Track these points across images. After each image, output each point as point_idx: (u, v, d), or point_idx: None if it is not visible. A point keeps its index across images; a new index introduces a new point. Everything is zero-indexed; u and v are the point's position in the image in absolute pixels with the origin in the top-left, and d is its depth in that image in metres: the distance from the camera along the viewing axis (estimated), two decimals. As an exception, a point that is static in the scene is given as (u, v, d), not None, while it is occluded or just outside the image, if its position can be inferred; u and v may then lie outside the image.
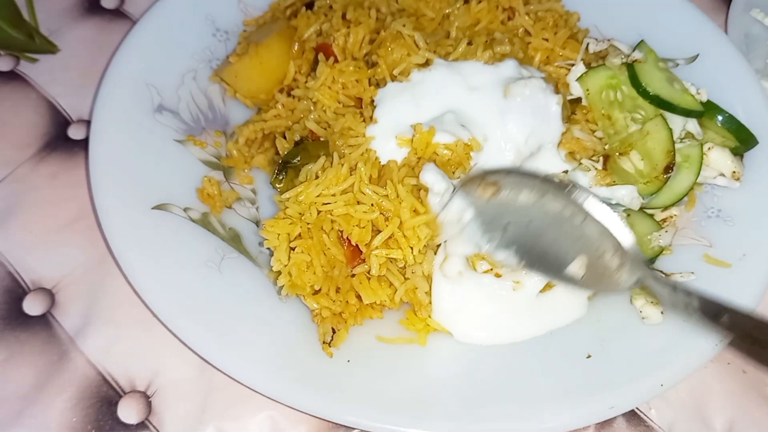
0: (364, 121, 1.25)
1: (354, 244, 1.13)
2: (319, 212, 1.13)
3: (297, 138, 1.26)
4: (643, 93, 1.28)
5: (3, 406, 1.10)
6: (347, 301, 1.13)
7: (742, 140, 1.31)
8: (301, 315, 1.14)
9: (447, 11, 1.40)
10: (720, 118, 1.32)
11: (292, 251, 1.12)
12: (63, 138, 1.40)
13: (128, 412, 1.11)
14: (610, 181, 1.23)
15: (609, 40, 1.38)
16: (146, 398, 1.12)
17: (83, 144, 1.39)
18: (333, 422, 1.09)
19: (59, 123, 1.43)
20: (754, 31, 1.58)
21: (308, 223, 1.13)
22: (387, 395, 1.06)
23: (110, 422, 1.10)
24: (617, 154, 1.25)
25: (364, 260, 1.14)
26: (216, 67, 1.42)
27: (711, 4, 1.71)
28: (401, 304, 1.17)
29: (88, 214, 1.29)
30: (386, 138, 1.22)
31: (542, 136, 1.24)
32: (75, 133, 1.41)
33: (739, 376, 1.19)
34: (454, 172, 1.19)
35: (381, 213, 1.13)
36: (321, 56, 1.33)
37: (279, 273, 1.13)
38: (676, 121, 1.29)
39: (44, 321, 1.19)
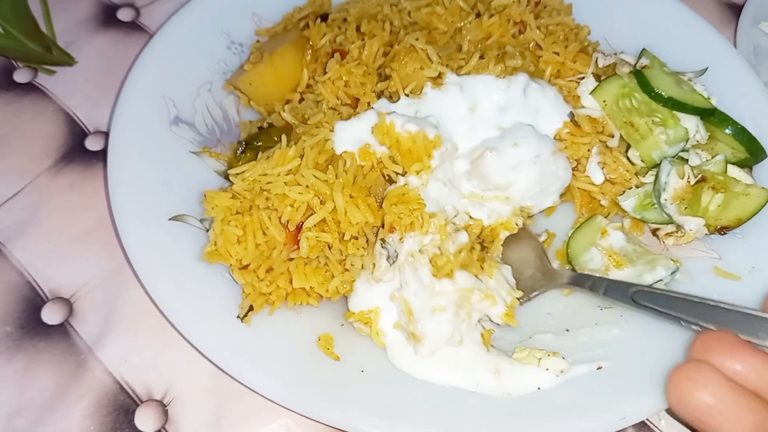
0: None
1: (294, 228, 1.14)
2: (261, 191, 1.15)
3: (266, 125, 1.30)
4: (656, 96, 1.29)
5: (22, 414, 1.12)
6: (277, 284, 1.14)
7: (752, 152, 1.32)
8: (315, 325, 1.15)
9: (459, 25, 1.41)
10: (731, 129, 1.33)
11: (228, 224, 1.15)
12: (80, 149, 1.43)
13: (145, 420, 1.13)
14: (687, 203, 1.24)
15: (616, 54, 1.39)
16: (163, 407, 1.14)
17: (100, 155, 1.41)
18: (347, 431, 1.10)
19: (76, 134, 1.45)
20: (763, 44, 1.59)
21: (251, 201, 1.16)
22: (400, 405, 1.07)
23: (127, 430, 1.12)
24: (711, 185, 1.24)
25: (298, 245, 1.15)
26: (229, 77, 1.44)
27: (720, 17, 1.73)
28: (338, 295, 1.17)
29: (105, 224, 1.31)
30: (358, 134, 1.22)
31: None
32: (92, 144, 1.44)
33: (748, 388, 1.20)
34: (414, 169, 1.19)
35: (317, 196, 1.14)
36: (337, 55, 1.35)
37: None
38: (690, 123, 1.30)
39: (62, 330, 1.21)
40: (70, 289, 1.25)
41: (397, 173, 1.19)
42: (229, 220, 1.15)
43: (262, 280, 1.13)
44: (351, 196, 1.14)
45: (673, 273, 1.22)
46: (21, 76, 1.53)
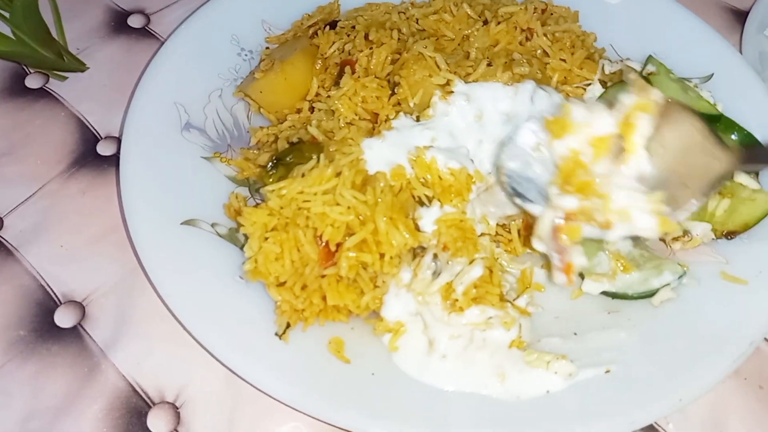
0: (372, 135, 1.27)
1: (327, 246, 1.15)
2: (299, 209, 1.16)
3: (295, 140, 1.30)
4: None
5: (36, 417, 1.13)
6: (311, 301, 1.15)
7: (758, 158, 1.33)
8: (325, 329, 1.17)
9: (467, 32, 1.43)
10: (737, 135, 1.34)
11: (266, 241, 1.15)
12: (92, 154, 1.44)
13: (157, 422, 1.14)
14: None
15: (623, 60, 1.41)
16: (175, 409, 1.15)
17: (112, 160, 1.43)
18: (358, 434, 1.11)
19: (88, 139, 1.46)
20: (768, 51, 1.61)
21: (287, 218, 1.16)
22: (410, 407, 1.08)
23: (140, 432, 1.13)
24: (717, 191, 1.24)
25: (335, 263, 1.16)
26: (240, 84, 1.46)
27: (725, 23, 1.75)
28: (368, 312, 1.19)
29: (117, 228, 1.32)
30: (383, 150, 1.24)
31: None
32: (104, 149, 1.45)
33: (755, 391, 1.21)
34: (452, 200, 1.22)
35: (357, 217, 1.15)
36: (348, 69, 1.36)
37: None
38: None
39: (75, 333, 1.22)
40: (82, 292, 1.26)
41: (427, 196, 1.21)
42: (267, 236, 1.15)
43: (297, 297, 1.14)
44: (391, 218, 1.15)
45: (680, 277, 1.23)
46: (33, 81, 1.55)
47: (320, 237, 1.15)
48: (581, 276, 1.24)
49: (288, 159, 1.25)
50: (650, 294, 1.23)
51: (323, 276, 1.16)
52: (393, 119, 1.28)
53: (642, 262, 1.26)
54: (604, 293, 1.24)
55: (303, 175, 1.18)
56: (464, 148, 1.26)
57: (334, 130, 1.30)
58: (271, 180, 1.23)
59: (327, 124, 1.31)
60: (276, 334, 1.12)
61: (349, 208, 1.15)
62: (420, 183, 1.21)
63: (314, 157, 1.21)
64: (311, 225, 1.15)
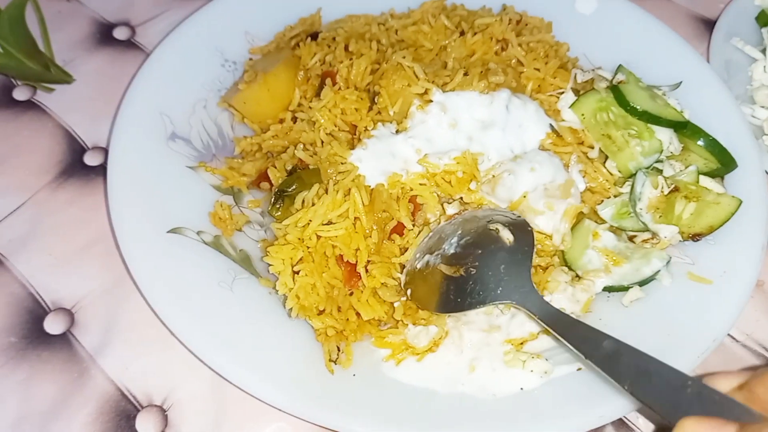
0: (353, 148, 1.32)
1: (350, 265, 1.20)
2: (318, 237, 1.20)
3: (289, 167, 1.33)
4: (632, 110, 1.35)
5: (27, 422, 1.16)
6: (347, 319, 1.20)
7: (723, 163, 1.38)
8: (308, 331, 1.21)
9: (444, 43, 1.48)
10: (703, 141, 1.39)
11: (296, 275, 1.19)
12: (79, 164, 1.47)
13: (146, 425, 1.17)
14: (661, 212, 1.30)
15: (594, 70, 1.46)
16: (163, 412, 1.18)
17: (99, 170, 1.46)
18: (340, 433, 1.15)
19: (75, 150, 1.50)
20: (734, 59, 1.66)
21: (309, 248, 1.20)
22: (390, 406, 1.12)
23: (129, 435, 1.17)
24: (684, 195, 1.30)
25: (360, 279, 1.21)
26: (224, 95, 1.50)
27: (694, 32, 1.80)
28: (397, 319, 1.23)
29: (105, 237, 1.36)
30: (371, 161, 1.29)
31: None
32: (91, 159, 1.48)
33: (722, 387, 1.26)
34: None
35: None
36: (328, 81, 1.40)
37: (285, 295, 1.19)
38: (664, 135, 1.36)
39: (65, 339, 1.25)
40: (71, 300, 1.29)
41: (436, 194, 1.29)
42: (296, 270, 1.19)
43: (338, 320, 1.18)
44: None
45: (667, 263, 1.28)
46: (20, 93, 1.58)
47: (341, 258, 1.20)
48: (578, 277, 1.30)
49: (290, 190, 1.27)
50: (645, 282, 1.28)
51: (351, 294, 1.21)
52: (372, 129, 1.32)
53: (629, 254, 1.31)
54: (605, 288, 1.29)
55: (312, 204, 1.22)
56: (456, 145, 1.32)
57: (315, 142, 1.34)
58: (278, 215, 1.26)
59: (308, 136, 1.35)
60: (331, 361, 1.16)
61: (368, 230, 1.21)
62: (418, 185, 1.28)
63: (315, 183, 1.26)
64: (336, 252, 1.19)
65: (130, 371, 1.22)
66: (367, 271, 1.20)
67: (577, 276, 1.30)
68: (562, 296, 1.26)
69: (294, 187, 1.27)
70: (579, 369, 1.17)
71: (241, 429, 1.17)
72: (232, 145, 1.45)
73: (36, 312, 1.28)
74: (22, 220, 1.39)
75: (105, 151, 1.49)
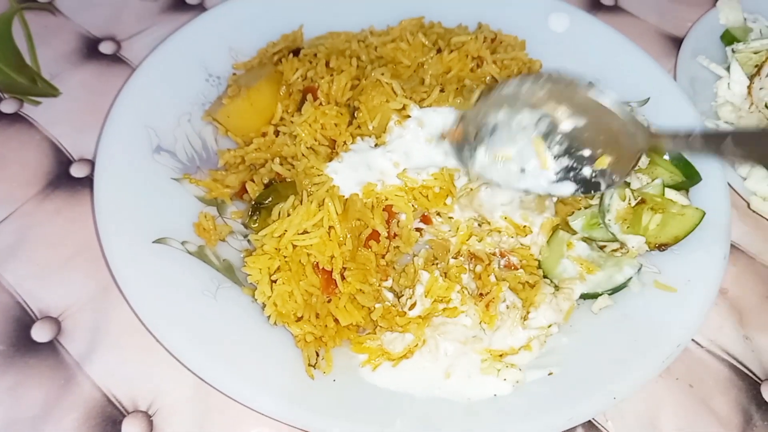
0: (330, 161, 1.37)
1: (327, 273, 1.25)
2: (294, 246, 1.24)
3: (266, 180, 1.37)
4: None
5: (14, 428, 1.19)
6: (326, 325, 1.24)
7: (688, 176, 1.45)
8: (289, 338, 1.24)
9: (422, 60, 1.53)
10: (668, 155, 1.46)
11: (273, 283, 1.23)
12: (66, 176, 1.50)
13: (131, 430, 1.20)
14: (629, 223, 1.35)
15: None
16: (148, 417, 1.22)
17: (85, 182, 1.49)
18: (321, 436, 1.19)
19: (62, 162, 1.53)
20: (700, 76, 1.72)
21: (285, 257, 1.24)
22: (369, 410, 1.17)
23: (115, 440, 1.20)
24: (650, 207, 1.35)
25: (336, 286, 1.25)
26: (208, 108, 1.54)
27: (662, 50, 1.87)
28: (375, 324, 1.28)
29: (91, 247, 1.38)
30: (347, 172, 1.34)
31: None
32: (77, 171, 1.51)
33: (686, 390, 1.32)
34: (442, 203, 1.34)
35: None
36: (309, 97, 1.45)
37: (265, 303, 1.23)
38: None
39: (51, 347, 1.28)
40: (58, 308, 1.32)
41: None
42: (274, 279, 1.23)
43: (315, 327, 1.22)
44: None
45: (638, 270, 1.34)
46: (7, 106, 1.61)
47: (317, 265, 1.24)
48: (556, 287, 1.35)
49: (267, 202, 1.32)
50: (618, 288, 1.33)
51: (329, 301, 1.25)
52: (351, 144, 1.37)
53: (602, 262, 1.36)
54: (582, 296, 1.34)
55: (288, 215, 1.26)
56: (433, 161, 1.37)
57: (296, 155, 1.39)
58: (255, 225, 1.30)
59: (289, 149, 1.39)
60: (310, 365, 1.20)
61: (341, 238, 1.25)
62: (394, 195, 1.32)
63: (290, 195, 1.30)
64: (312, 260, 1.24)
65: (116, 377, 1.25)
66: (343, 277, 1.24)
67: (556, 286, 1.35)
68: (548, 308, 1.31)
69: (270, 199, 1.32)
70: (550, 374, 1.22)
71: (225, 433, 1.21)
72: (216, 158, 1.49)
73: (23, 320, 1.31)
74: (9, 230, 1.41)
75: (91, 163, 1.52)
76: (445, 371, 1.22)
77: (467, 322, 1.26)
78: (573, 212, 1.41)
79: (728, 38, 1.79)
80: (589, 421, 1.26)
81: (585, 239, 1.39)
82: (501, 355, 1.26)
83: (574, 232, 1.40)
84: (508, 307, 1.28)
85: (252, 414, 1.16)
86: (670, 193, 1.40)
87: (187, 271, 1.28)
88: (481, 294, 1.29)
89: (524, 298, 1.31)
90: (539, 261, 1.37)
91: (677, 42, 1.86)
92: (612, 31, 1.70)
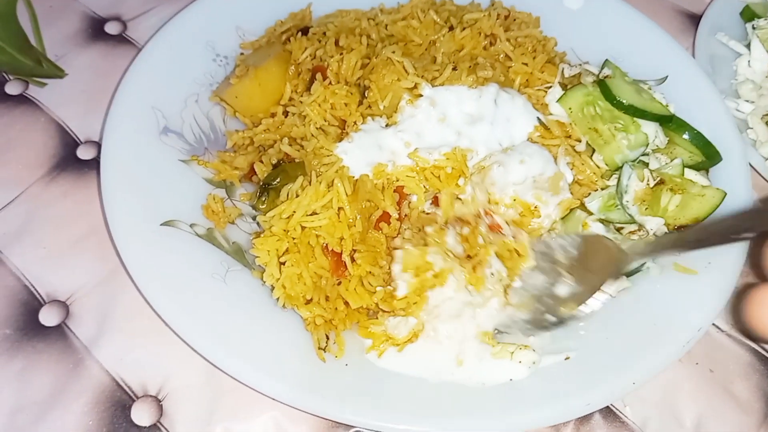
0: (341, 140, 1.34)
1: (336, 255, 1.22)
2: (303, 228, 1.22)
3: (274, 161, 1.35)
4: (618, 104, 1.38)
5: (23, 412, 1.18)
6: (336, 308, 1.22)
7: (708, 156, 1.41)
8: (300, 321, 1.22)
9: (433, 38, 1.50)
10: (688, 134, 1.42)
11: (282, 266, 1.21)
12: (72, 158, 1.48)
13: (141, 415, 1.19)
14: (647, 204, 1.32)
15: (581, 65, 1.48)
16: (158, 402, 1.20)
17: (92, 164, 1.47)
18: (332, 421, 1.17)
19: (68, 144, 1.51)
20: (719, 54, 1.69)
21: (294, 239, 1.22)
22: (380, 395, 1.15)
23: (124, 425, 1.18)
24: (669, 188, 1.33)
25: (347, 268, 1.23)
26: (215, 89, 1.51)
27: (680, 27, 1.83)
28: (377, 308, 1.25)
29: (98, 230, 1.37)
30: (357, 153, 1.31)
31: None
32: (84, 153, 1.49)
33: (707, 375, 1.29)
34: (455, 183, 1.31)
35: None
36: (319, 76, 1.42)
37: (273, 286, 1.21)
38: (650, 129, 1.39)
39: (60, 331, 1.27)
40: (66, 292, 1.31)
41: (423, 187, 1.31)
42: (283, 261, 1.21)
43: (326, 309, 1.20)
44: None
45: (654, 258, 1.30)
46: (12, 88, 1.59)
47: (327, 247, 1.22)
48: None
49: (275, 183, 1.29)
50: (631, 273, 1.31)
51: (339, 284, 1.23)
52: (362, 124, 1.34)
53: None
54: None
55: (297, 195, 1.24)
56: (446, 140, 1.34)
57: (306, 136, 1.36)
58: (263, 207, 1.28)
59: (298, 130, 1.37)
60: (320, 349, 1.18)
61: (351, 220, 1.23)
62: (405, 176, 1.29)
63: (299, 175, 1.28)
64: (321, 241, 1.21)
65: (125, 362, 1.24)
66: (353, 260, 1.22)
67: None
68: None
69: (278, 179, 1.30)
70: (567, 358, 1.19)
71: (235, 418, 1.19)
72: (224, 139, 1.46)
73: (31, 304, 1.29)
74: (15, 213, 1.40)
75: (98, 145, 1.50)
76: (456, 357, 1.20)
77: (452, 284, 1.23)
78: (589, 193, 1.38)
79: (748, 14, 1.75)
80: (607, 406, 1.23)
81: (602, 220, 1.36)
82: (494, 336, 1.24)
83: (591, 213, 1.37)
84: (493, 275, 1.25)
85: (262, 398, 1.14)
86: (690, 174, 1.37)
87: (196, 254, 1.26)
88: (468, 256, 1.26)
89: (510, 267, 1.27)
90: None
91: (694, 19, 1.82)
92: (628, 8, 1.66)
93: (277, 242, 1.22)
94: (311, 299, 1.21)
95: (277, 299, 1.21)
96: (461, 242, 1.28)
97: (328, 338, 1.20)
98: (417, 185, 1.30)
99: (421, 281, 1.23)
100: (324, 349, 1.18)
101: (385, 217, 1.28)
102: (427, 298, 1.23)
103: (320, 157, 1.31)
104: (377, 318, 1.25)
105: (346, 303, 1.23)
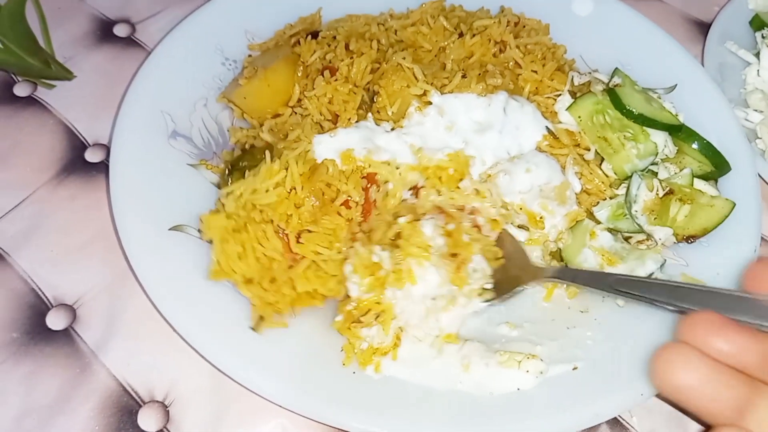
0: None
1: (290, 237, 1.22)
2: (253, 207, 1.22)
3: (247, 146, 1.36)
4: (627, 113, 1.37)
5: (29, 416, 1.17)
6: (282, 292, 1.21)
7: (717, 166, 1.41)
8: (309, 329, 1.22)
9: (443, 44, 1.49)
10: (697, 144, 1.42)
11: (226, 243, 1.21)
12: (80, 161, 1.48)
13: (148, 420, 1.19)
14: (656, 214, 1.32)
15: (590, 72, 1.48)
16: (164, 407, 1.20)
17: (100, 167, 1.47)
18: (339, 429, 1.16)
19: (76, 146, 1.50)
20: (728, 62, 1.68)
21: (244, 218, 1.22)
22: (389, 403, 1.14)
23: (131, 430, 1.18)
24: (678, 197, 1.33)
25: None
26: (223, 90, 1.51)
27: (689, 35, 1.83)
28: (339, 294, 1.25)
29: (106, 233, 1.36)
30: (335, 146, 1.30)
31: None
32: (92, 156, 1.49)
33: (713, 386, 1.28)
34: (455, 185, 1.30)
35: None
36: (326, 73, 1.42)
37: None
38: (659, 138, 1.39)
39: (67, 335, 1.26)
40: (73, 296, 1.30)
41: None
42: (228, 239, 1.21)
43: (267, 291, 1.19)
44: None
45: (661, 266, 1.30)
46: (21, 90, 1.58)
47: (282, 230, 1.21)
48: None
49: (241, 164, 1.30)
50: None
51: (290, 267, 1.22)
52: (360, 121, 1.35)
53: (625, 254, 1.33)
54: None
55: (254, 176, 1.24)
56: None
57: (290, 131, 1.36)
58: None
59: (289, 126, 1.37)
60: (250, 328, 1.18)
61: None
62: (375, 161, 1.28)
63: (264, 157, 1.27)
64: (267, 219, 1.21)
65: (132, 367, 1.23)
66: (299, 240, 1.21)
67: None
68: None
69: (244, 162, 1.30)
70: (575, 368, 1.19)
71: (242, 424, 1.19)
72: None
73: (38, 308, 1.29)
74: (23, 216, 1.39)
75: (106, 147, 1.50)
76: (461, 363, 1.19)
77: (433, 279, 1.21)
78: (598, 202, 1.38)
79: (758, 23, 1.75)
80: (615, 417, 1.23)
81: (610, 229, 1.36)
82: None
83: (599, 222, 1.36)
84: (476, 271, 1.25)
85: (270, 405, 1.14)
86: (699, 184, 1.37)
87: (205, 259, 1.25)
88: (453, 255, 1.24)
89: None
90: (560, 249, 1.34)
91: (704, 27, 1.82)
92: (637, 16, 1.66)
93: (225, 219, 1.22)
94: (252, 279, 1.20)
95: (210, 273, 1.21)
96: (444, 235, 1.25)
97: (262, 318, 1.19)
98: (391, 172, 1.29)
99: (373, 281, 1.21)
100: (254, 329, 1.18)
101: (348, 203, 1.27)
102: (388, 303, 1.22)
103: (290, 143, 1.32)
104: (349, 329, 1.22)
105: (295, 287, 1.22)
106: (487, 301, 1.25)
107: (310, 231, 1.22)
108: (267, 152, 1.27)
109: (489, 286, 1.25)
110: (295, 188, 1.22)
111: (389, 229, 1.24)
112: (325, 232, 1.23)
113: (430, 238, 1.24)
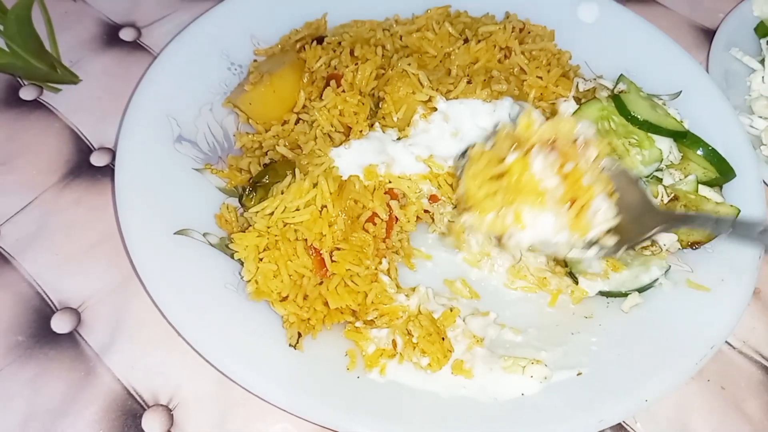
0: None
1: (320, 254, 1.22)
2: (285, 225, 1.22)
3: (267, 161, 1.36)
4: (633, 120, 1.38)
5: (34, 419, 1.18)
6: (315, 308, 1.21)
7: (721, 172, 1.41)
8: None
9: (448, 50, 1.50)
10: (702, 150, 1.41)
11: (261, 261, 1.21)
12: (86, 165, 1.49)
13: (152, 424, 1.19)
14: None
15: (595, 79, 1.48)
16: (169, 411, 1.20)
17: (106, 170, 1.47)
18: (343, 433, 1.17)
19: (82, 150, 1.51)
20: (733, 69, 1.68)
21: (276, 236, 1.22)
22: (392, 408, 1.14)
23: (135, 434, 1.18)
24: (683, 204, 1.33)
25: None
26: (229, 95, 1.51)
27: (694, 42, 1.83)
28: (372, 309, 1.25)
29: (111, 237, 1.37)
30: (351, 157, 1.32)
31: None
32: (97, 160, 1.49)
33: (718, 392, 1.28)
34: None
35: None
36: (333, 83, 1.42)
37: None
38: (664, 144, 1.39)
39: (71, 339, 1.27)
40: (78, 299, 1.31)
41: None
42: (261, 257, 1.21)
43: (301, 308, 1.20)
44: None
45: (666, 272, 1.30)
46: (27, 93, 1.59)
47: (312, 247, 1.21)
48: (575, 280, 1.32)
49: (264, 180, 1.30)
50: (642, 289, 1.30)
51: (321, 283, 1.22)
52: (369, 131, 1.35)
53: (629, 260, 1.33)
54: (601, 293, 1.31)
55: (282, 193, 1.24)
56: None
57: (301, 140, 1.37)
58: (252, 203, 1.28)
59: (306, 137, 1.38)
60: (290, 345, 1.18)
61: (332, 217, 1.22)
62: (397, 178, 1.31)
63: (288, 173, 1.27)
64: (301, 237, 1.20)
65: (137, 370, 1.24)
66: (332, 258, 1.22)
67: (575, 279, 1.33)
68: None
69: (267, 177, 1.30)
70: (579, 374, 1.19)
71: (246, 429, 1.19)
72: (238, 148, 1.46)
73: (43, 311, 1.29)
74: (29, 219, 1.40)
75: (111, 151, 1.50)
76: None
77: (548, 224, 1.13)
78: None
79: (762, 30, 1.75)
80: (619, 423, 1.23)
81: (615, 235, 1.35)
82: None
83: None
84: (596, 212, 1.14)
85: (274, 409, 1.14)
86: (704, 190, 1.37)
87: (209, 264, 1.26)
88: (572, 201, 1.12)
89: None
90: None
91: (709, 34, 1.82)
92: (643, 22, 1.66)
93: (257, 238, 1.22)
94: (287, 297, 1.21)
95: (249, 293, 1.21)
96: (560, 177, 1.12)
97: (300, 336, 1.19)
98: (408, 187, 1.31)
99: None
100: (294, 347, 1.18)
101: (374, 218, 1.28)
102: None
103: (312, 158, 1.32)
104: (360, 330, 1.23)
105: (326, 303, 1.22)
106: (609, 249, 1.16)
107: (339, 248, 1.23)
108: (296, 169, 1.28)
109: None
110: (326, 206, 1.23)
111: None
112: (354, 250, 1.24)
113: (542, 179, 1.12)
